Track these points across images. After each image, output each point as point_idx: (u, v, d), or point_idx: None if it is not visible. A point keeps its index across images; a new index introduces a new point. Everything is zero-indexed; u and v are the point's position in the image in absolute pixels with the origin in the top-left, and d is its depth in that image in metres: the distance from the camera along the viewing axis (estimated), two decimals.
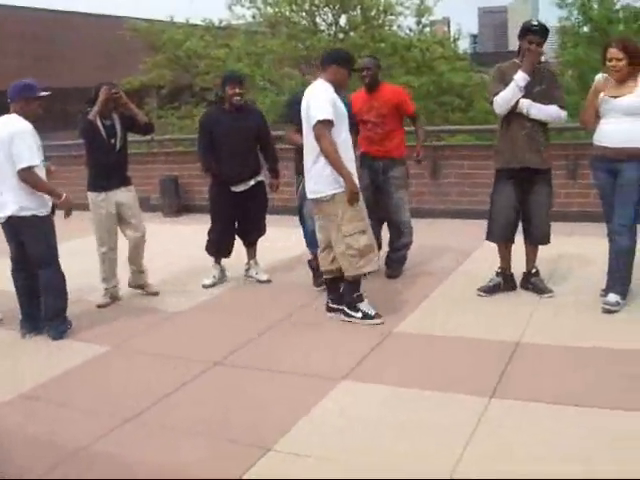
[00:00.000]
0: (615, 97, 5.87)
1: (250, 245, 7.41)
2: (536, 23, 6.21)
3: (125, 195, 6.76)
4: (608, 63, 5.85)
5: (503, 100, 6.10)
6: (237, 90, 6.92)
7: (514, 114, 6.13)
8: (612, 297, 5.90)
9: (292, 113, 6.42)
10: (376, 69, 7.06)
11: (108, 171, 6.63)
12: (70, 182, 8.48)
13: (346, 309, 6.07)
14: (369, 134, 7.04)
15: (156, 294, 6.98)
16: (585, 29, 24.26)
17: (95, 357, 5.51)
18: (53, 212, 5.96)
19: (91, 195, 6.70)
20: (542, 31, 6.13)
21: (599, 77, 6.12)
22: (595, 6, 23.99)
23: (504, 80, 6.15)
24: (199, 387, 4.86)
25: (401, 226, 7.19)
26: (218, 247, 7.29)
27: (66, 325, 5.99)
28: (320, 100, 5.68)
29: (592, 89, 6.08)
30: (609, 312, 5.82)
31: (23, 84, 5.84)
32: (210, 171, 7.16)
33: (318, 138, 5.62)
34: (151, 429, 4.28)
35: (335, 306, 6.16)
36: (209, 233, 7.27)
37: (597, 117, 6.02)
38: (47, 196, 5.80)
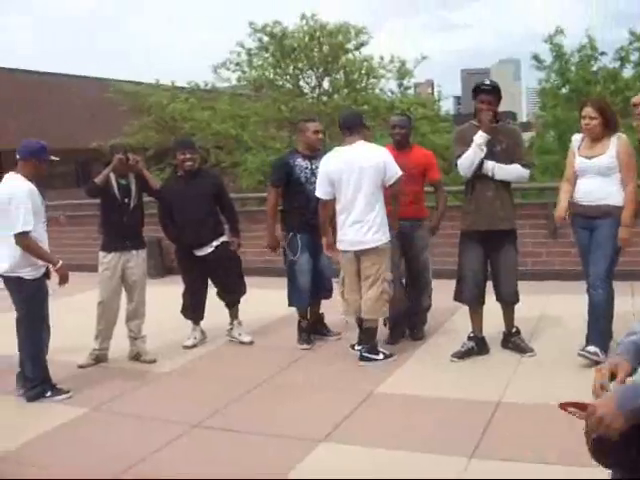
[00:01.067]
0: (590, 157, 6.00)
1: (230, 306, 7.39)
2: (487, 82, 6.32)
3: (134, 260, 6.76)
4: (582, 121, 6.00)
5: (466, 161, 6.17)
6: (187, 155, 7.00)
7: (479, 176, 6.20)
8: (592, 348, 5.94)
9: (278, 177, 6.98)
10: (408, 128, 7.03)
11: (121, 231, 6.65)
12: (78, 242, 8.50)
13: (367, 353, 6.44)
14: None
15: (153, 361, 6.81)
16: (564, 90, 24.64)
17: (73, 419, 5.44)
18: (47, 276, 5.91)
19: (101, 254, 6.74)
20: (492, 90, 6.22)
21: (576, 137, 6.25)
22: (572, 68, 24.44)
23: (465, 142, 6.22)
24: (176, 450, 4.80)
25: (426, 287, 7.16)
26: (190, 310, 7.34)
27: (44, 389, 5.87)
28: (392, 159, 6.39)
29: (570, 149, 6.21)
30: (587, 358, 5.86)
31: (39, 145, 5.82)
32: (172, 240, 7.32)
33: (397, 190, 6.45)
34: None
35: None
36: (183, 297, 7.35)
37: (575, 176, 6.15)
38: (40, 261, 5.77)
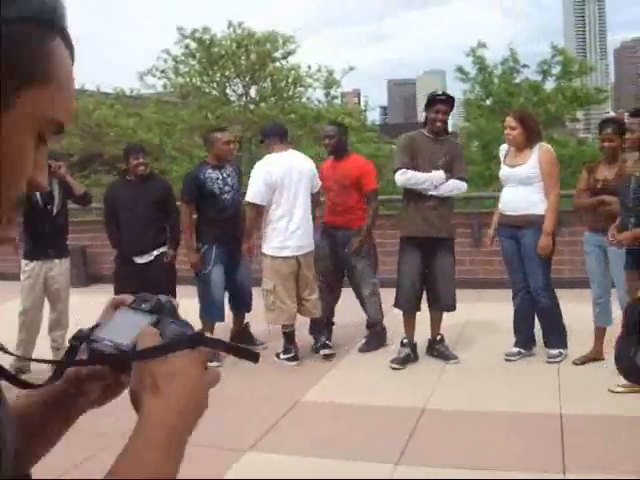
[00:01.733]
0: (512, 166, 6.15)
1: None
2: (441, 92, 6.46)
3: (57, 268, 6.62)
4: (505, 131, 6.16)
5: (410, 181, 6.29)
6: (141, 160, 6.94)
7: None
8: (553, 351, 6.27)
9: (189, 192, 6.94)
10: (339, 137, 6.99)
11: (43, 239, 6.46)
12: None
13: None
14: (330, 204, 7.07)
15: None
16: (487, 102, 25.12)
17: None
18: None
19: (23, 262, 6.59)
20: (448, 100, 6.35)
21: (502, 148, 6.42)
22: (496, 80, 24.94)
23: (411, 149, 6.35)
24: (98, 462, 4.72)
25: (369, 299, 7.10)
26: None
27: None
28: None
29: (498, 159, 6.42)
30: (555, 363, 6.20)
31: None
32: (114, 242, 7.18)
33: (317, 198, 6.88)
34: None
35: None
36: None
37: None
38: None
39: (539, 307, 6.27)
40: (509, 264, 6.39)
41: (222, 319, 7.02)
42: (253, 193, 6.56)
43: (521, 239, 6.15)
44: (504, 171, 6.29)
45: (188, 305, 7.58)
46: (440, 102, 6.32)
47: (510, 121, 6.15)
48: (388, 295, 7.04)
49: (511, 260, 6.32)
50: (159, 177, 8.16)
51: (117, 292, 7.05)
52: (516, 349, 6.35)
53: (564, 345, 6.32)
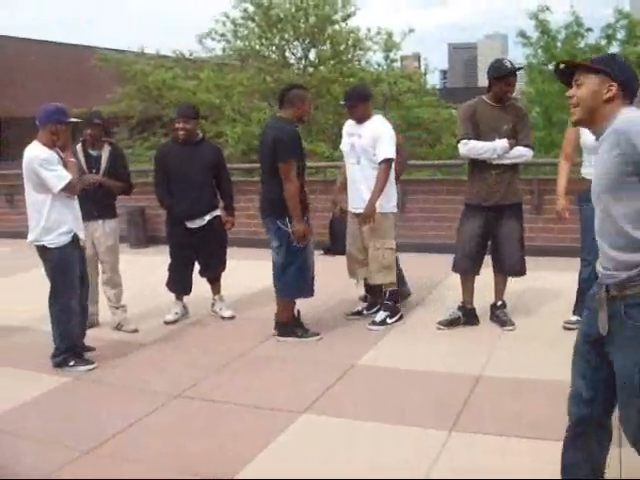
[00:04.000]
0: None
1: (212, 281, 7.35)
2: (509, 65, 6.24)
3: (101, 229, 6.71)
4: None
5: (472, 152, 6.26)
6: (180, 125, 6.87)
7: None
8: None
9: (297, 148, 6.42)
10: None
11: (88, 202, 6.36)
12: None
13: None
14: None
15: (135, 331, 6.78)
16: (550, 66, 24.62)
17: (56, 388, 5.43)
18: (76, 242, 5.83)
19: None
20: (515, 71, 6.21)
21: None
22: (559, 44, 24.41)
23: (473, 118, 6.28)
24: (160, 419, 4.81)
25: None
26: (176, 284, 7.20)
27: (66, 358, 5.80)
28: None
29: (572, 127, 6.20)
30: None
31: (54, 108, 5.68)
32: (166, 207, 7.17)
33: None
34: (113, 461, 4.23)
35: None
36: (169, 269, 7.19)
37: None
38: (64, 228, 5.69)
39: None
40: (589, 233, 6.20)
41: (313, 293, 6.69)
42: (392, 150, 6.56)
43: None
44: (592, 138, 6.06)
45: (242, 266, 7.69)
46: (510, 75, 6.20)
47: None
48: (441, 261, 7.02)
49: (592, 229, 6.15)
50: (209, 141, 8.07)
51: (171, 255, 7.13)
52: (575, 317, 6.24)
53: None
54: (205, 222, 7.00)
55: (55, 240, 5.67)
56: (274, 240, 6.25)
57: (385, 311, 6.80)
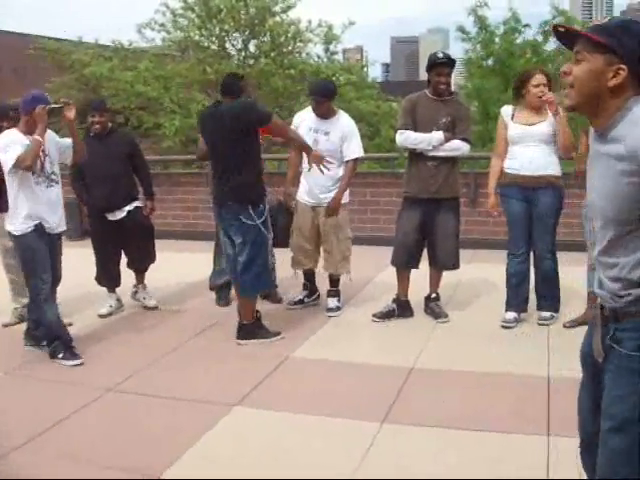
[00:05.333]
0: (530, 124, 6.05)
1: (138, 272, 7.30)
2: (441, 55, 6.33)
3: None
4: (535, 89, 5.99)
5: (407, 142, 6.34)
6: (96, 118, 6.83)
7: None
8: (546, 313, 6.31)
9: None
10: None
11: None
12: None
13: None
14: None
15: (68, 325, 6.42)
16: (489, 62, 24.93)
17: None
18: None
19: None
20: (449, 62, 6.28)
21: (506, 109, 6.30)
22: (497, 40, 24.74)
23: (413, 111, 6.34)
24: (92, 414, 4.75)
25: None
26: (105, 278, 7.13)
27: (55, 349, 5.75)
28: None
29: (500, 122, 6.26)
30: (546, 325, 6.22)
31: (30, 96, 5.56)
32: (83, 200, 7.09)
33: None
34: (42, 456, 4.17)
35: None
36: (96, 264, 7.09)
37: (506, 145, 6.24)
38: (27, 215, 5.55)
39: (543, 270, 6.24)
40: (516, 227, 6.22)
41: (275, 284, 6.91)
42: (360, 149, 6.74)
43: (536, 200, 6.06)
44: (517, 130, 6.10)
45: (176, 258, 7.61)
46: (441, 65, 6.26)
47: (543, 78, 6.03)
48: (378, 254, 7.07)
49: (519, 223, 6.20)
50: (122, 131, 7.95)
51: (96, 249, 7.02)
52: (512, 315, 6.29)
53: (557, 309, 6.35)
54: (125, 213, 6.92)
55: (18, 227, 5.59)
56: (237, 236, 5.99)
57: (336, 296, 6.96)
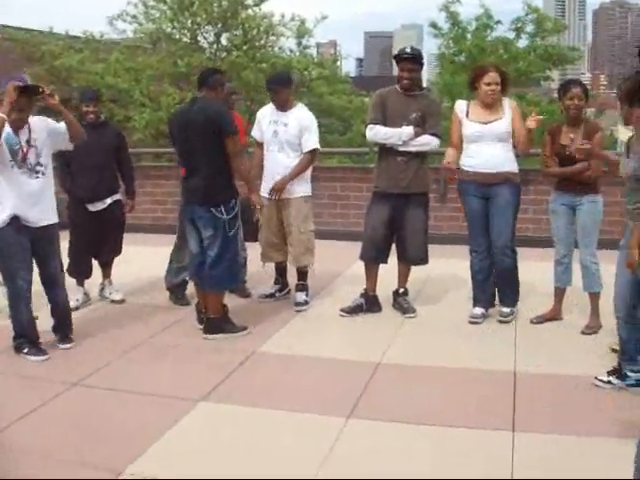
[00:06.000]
0: (486, 122, 6.03)
1: (104, 265, 7.25)
2: (408, 50, 6.36)
3: None
4: (486, 87, 5.98)
5: (377, 137, 6.37)
6: (90, 108, 6.83)
7: None
8: (507, 309, 6.29)
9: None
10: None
11: None
12: None
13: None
14: None
15: (35, 318, 6.44)
16: (461, 58, 25.00)
17: None
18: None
19: None
20: (414, 58, 6.28)
21: (461, 104, 6.29)
22: (469, 36, 24.82)
23: (383, 106, 6.36)
24: (57, 408, 4.70)
25: None
26: (78, 269, 7.03)
27: (20, 343, 5.68)
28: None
29: (455, 118, 6.25)
30: (506, 322, 6.21)
31: (8, 78, 5.37)
32: (66, 188, 6.99)
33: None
34: (6, 452, 4.10)
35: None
36: (68, 254, 6.93)
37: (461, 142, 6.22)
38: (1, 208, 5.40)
39: (502, 265, 6.22)
40: (476, 224, 6.23)
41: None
42: (317, 140, 6.75)
43: (494, 196, 6.07)
44: (474, 128, 6.09)
45: (144, 252, 7.55)
46: (406, 60, 6.29)
47: (496, 77, 6.01)
48: (348, 248, 7.08)
49: (478, 220, 6.20)
50: (112, 124, 7.90)
51: (72, 240, 6.95)
52: (480, 310, 6.31)
53: (516, 303, 6.37)
54: (106, 205, 6.91)
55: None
56: (208, 229, 5.96)
57: (304, 290, 6.95)
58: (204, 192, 5.90)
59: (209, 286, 6.13)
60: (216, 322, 6.08)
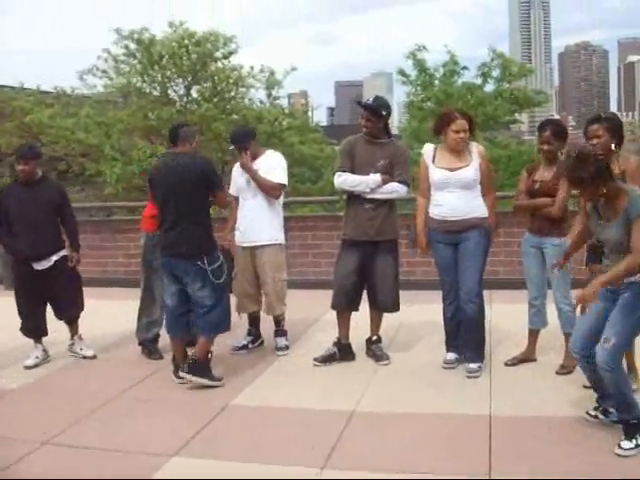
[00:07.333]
0: (452, 169, 6.01)
1: (70, 322, 7.14)
2: (368, 101, 6.48)
3: None
4: (454, 135, 5.96)
5: (345, 184, 6.39)
6: (21, 167, 6.70)
7: None
8: (474, 365, 6.09)
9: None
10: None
11: None
12: None
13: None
14: None
15: None
16: (429, 104, 25.28)
17: None
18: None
19: None
20: (372, 108, 6.35)
21: (429, 148, 6.24)
22: (436, 82, 25.15)
23: (351, 154, 6.40)
24: (25, 468, 4.60)
25: None
26: (30, 328, 6.93)
27: None
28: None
29: (423, 164, 6.20)
30: (475, 378, 6.00)
31: None
32: (9, 249, 6.93)
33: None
34: None
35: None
36: (19, 314, 6.88)
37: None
38: None
39: (466, 313, 6.09)
40: (446, 271, 6.18)
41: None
42: (285, 177, 6.90)
43: (463, 241, 6.02)
44: (441, 175, 6.03)
45: (116, 306, 7.48)
46: (365, 109, 6.37)
47: (464, 124, 5.98)
48: (320, 297, 7.07)
49: (449, 267, 6.15)
50: (51, 180, 7.78)
51: (19, 300, 6.85)
52: (453, 355, 6.27)
53: (482, 358, 6.21)
54: (52, 263, 6.81)
55: None
56: (196, 281, 5.99)
57: (283, 335, 7.04)
58: (192, 245, 5.96)
59: (205, 330, 6.15)
60: (201, 366, 6.05)
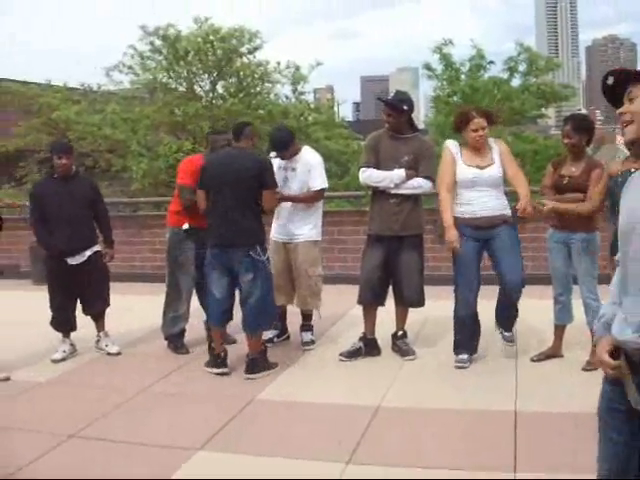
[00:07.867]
0: (481, 168, 5.98)
1: (96, 318, 7.19)
2: (391, 96, 6.49)
3: None
4: (474, 134, 5.96)
5: (370, 180, 6.41)
6: (63, 161, 6.78)
7: None
8: (508, 334, 6.43)
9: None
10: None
11: None
12: None
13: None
14: None
15: (6, 379, 6.37)
16: (455, 98, 25.18)
17: None
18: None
19: None
20: (392, 104, 6.37)
21: (453, 145, 6.19)
22: (463, 77, 25.03)
23: (376, 149, 6.41)
24: (53, 461, 4.64)
25: None
26: (60, 322, 6.99)
27: None
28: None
29: (449, 158, 6.14)
30: (511, 345, 6.37)
31: None
32: (43, 244, 6.97)
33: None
34: None
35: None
36: (50, 308, 6.96)
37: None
38: None
39: (512, 300, 6.15)
40: (467, 266, 6.13)
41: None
42: (325, 180, 6.90)
43: (495, 236, 6.00)
44: (472, 173, 5.99)
45: (143, 301, 7.50)
46: (386, 105, 6.40)
47: (482, 122, 5.98)
48: (346, 292, 7.07)
49: (471, 262, 6.12)
50: (84, 176, 7.83)
51: (52, 293, 6.91)
52: (465, 355, 6.23)
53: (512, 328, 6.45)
54: (85, 258, 6.87)
55: None
56: (248, 273, 6.10)
57: (310, 330, 7.10)
58: (243, 235, 6.10)
59: (254, 327, 6.29)
60: (259, 361, 6.21)
